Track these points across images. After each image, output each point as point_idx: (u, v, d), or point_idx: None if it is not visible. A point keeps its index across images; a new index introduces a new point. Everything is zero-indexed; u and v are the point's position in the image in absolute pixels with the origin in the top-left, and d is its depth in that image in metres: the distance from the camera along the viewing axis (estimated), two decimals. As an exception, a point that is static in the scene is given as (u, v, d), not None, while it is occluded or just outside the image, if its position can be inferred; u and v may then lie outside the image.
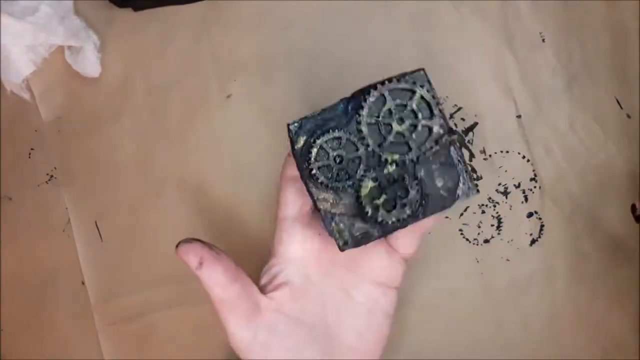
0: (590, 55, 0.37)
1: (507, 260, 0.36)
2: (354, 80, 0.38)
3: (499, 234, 0.37)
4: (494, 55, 0.38)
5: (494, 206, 0.37)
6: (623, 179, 0.36)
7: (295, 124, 0.27)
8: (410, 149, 0.26)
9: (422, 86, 0.26)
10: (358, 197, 0.26)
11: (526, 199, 0.37)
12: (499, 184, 0.37)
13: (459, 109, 0.37)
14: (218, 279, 0.27)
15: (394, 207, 0.26)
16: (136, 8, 0.40)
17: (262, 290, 0.29)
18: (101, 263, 0.39)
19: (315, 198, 0.27)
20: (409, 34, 0.38)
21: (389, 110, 0.26)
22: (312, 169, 0.26)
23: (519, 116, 0.37)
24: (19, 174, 0.41)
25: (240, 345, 0.27)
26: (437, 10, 0.38)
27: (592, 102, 0.37)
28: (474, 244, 0.37)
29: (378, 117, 0.26)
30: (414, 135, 0.26)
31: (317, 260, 0.30)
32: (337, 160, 0.26)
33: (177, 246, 0.27)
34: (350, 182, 0.26)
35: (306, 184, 0.27)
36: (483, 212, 0.37)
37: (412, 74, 0.26)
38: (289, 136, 0.27)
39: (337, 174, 0.26)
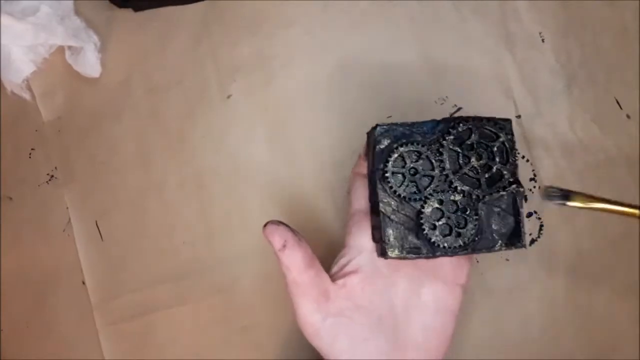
0: (590, 55, 0.37)
1: (507, 260, 0.36)
2: (353, 80, 0.38)
3: (498, 234, 0.37)
4: (493, 55, 0.38)
5: (494, 206, 0.37)
6: (623, 179, 0.36)
7: (384, 127, 0.28)
8: (479, 185, 0.27)
9: (506, 134, 0.28)
10: (419, 213, 0.27)
11: (525, 199, 0.37)
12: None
13: (459, 109, 0.37)
14: (296, 263, 0.28)
15: (450, 233, 0.27)
16: (136, 8, 0.40)
17: (333, 278, 0.30)
18: (101, 263, 0.39)
19: (380, 200, 0.27)
20: (409, 34, 0.38)
21: (472, 145, 0.27)
22: (386, 172, 0.27)
23: (518, 116, 0.37)
24: (19, 174, 0.41)
25: (309, 329, 0.29)
26: (437, 10, 0.38)
27: (591, 102, 0.37)
28: (473, 244, 0.37)
29: (461, 146, 0.27)
30: (486, 175, 0.27)
31: None
32: (412, 172, 0.27)
33: (264, 225, 0.28)
34: (417, 197, 0.27)
35: (374, 184, 0.28)
36: (483, 212, 0.37)
37: (501, 120, 0.28)
38: (373, 136, 0.28)
39: (408, 185, 0.27)
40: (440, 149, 0.27)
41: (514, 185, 0.27)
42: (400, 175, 0.27)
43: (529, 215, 0.36)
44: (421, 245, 0.27)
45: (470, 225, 0.27)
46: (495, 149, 0.27)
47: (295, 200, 0.38)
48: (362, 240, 0.30)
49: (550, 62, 0.37)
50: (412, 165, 0.27)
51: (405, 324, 0.30)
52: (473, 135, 0.27)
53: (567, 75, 0.37)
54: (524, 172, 0.37)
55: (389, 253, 0.27)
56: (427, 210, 0.27)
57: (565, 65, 0.37)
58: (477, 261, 0.37)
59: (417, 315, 0.30)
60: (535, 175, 0.37)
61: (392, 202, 0.28)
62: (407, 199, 0.27)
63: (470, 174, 0.27)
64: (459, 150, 0.27)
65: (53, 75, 0.41)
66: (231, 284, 0.38)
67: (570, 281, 0.36)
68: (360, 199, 0.31)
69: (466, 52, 0.38)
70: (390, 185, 0.27)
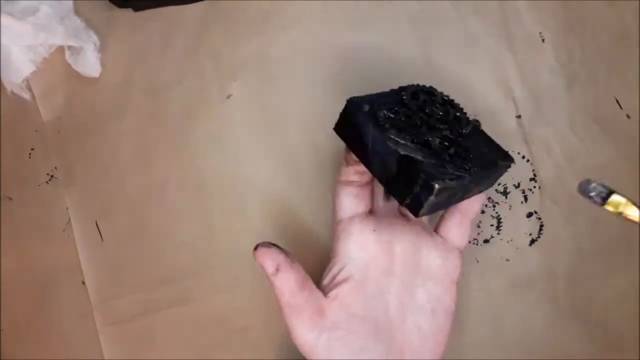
0: (590, 55, 0.37)
1: (507, 260, 0.36)
2: (354, 80, 0.38)
3: (498, 234, 0.37)
4: (494, 55, 0.38)
5: (494, 206, 0.37)
6: (623, 179, 0.36)
7: (357, 98, 0.30)
8: (452, 124, 0.30)
9: (438, 91, 0.32)
10: (431, 150, 0.28)
11: (526, 199, 0.37)
12: (499, 184, 0.37)
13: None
14: (289, 286, 0.28)
15: (466, 156, 0.28)
16: (136, 8, 0.40)
17: (325, 291, 0.30)
18: (101, 263, 0.39)
19: (399, 150, 0.27)
20: (409, 34, 0.38)
21: (425, 100, 0.31)
22: (381, 121, 0.28)
23: (518, 116, 0.37)
24: (19, 174, 0.41)
25: (306, 347, 0.29)
26: (437, 10, 0.38)
27: (592, 102, 0.37)
28: (474, 244, 0.37)
29: (417, 101, 0.31)
30: (450, 117, 0.31)
31: (376, 258, 0.30)
32: (403, 119, 0.29)
33: (255, 248, 0.28)
34: (420, 139, 0.28)
35: (380, 143, 0.28)
36: (483, 212, 0.37)
37: (425, 86, 0.32)
38: (351, 110, 0.29)
39: (407, 130, 0.28)
40: (407, 105, 0.30)
41: (473, 121, 0.31)
42: (396, 123, 0.29)
43: (529, 215, 0.36)
44: (453, 171, 0.27)
45: (472, 150, 0.29)
46: (440, 99, 0.31)
47: (295, 200, 0.38)
48: (350, 247, 0.30)
49: (550, 62, 0.37)
50: (399, 117, 0.29)
51: (401, 327, 0.30)
52: (421, 95, 0.31)
53: (568, 75, 0.37)
54: (524, 172, 0.37)
55: (436, 185, 0.25)
56: (435, 144, 0.28)
57: (566, 65, 0.37)
58: (477, 261, 0.37)
59: (413, 318, 0.30)
60: (535, 175, 0.37)
61: (408, 147, 0.27)
62: (414, 142, 0.28)
63: (440, 118, 0.30)
64: (420, 105, 0.30)
65: (53, 75, 0.41)
66: (231, 284, 0.38)
67: (570, 281, 0.36)
68: (345, 207, 0.32)
69: (466, 52, 0.38)
70: (397, 134, 0.28)
